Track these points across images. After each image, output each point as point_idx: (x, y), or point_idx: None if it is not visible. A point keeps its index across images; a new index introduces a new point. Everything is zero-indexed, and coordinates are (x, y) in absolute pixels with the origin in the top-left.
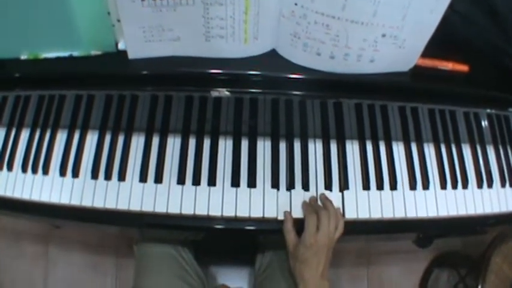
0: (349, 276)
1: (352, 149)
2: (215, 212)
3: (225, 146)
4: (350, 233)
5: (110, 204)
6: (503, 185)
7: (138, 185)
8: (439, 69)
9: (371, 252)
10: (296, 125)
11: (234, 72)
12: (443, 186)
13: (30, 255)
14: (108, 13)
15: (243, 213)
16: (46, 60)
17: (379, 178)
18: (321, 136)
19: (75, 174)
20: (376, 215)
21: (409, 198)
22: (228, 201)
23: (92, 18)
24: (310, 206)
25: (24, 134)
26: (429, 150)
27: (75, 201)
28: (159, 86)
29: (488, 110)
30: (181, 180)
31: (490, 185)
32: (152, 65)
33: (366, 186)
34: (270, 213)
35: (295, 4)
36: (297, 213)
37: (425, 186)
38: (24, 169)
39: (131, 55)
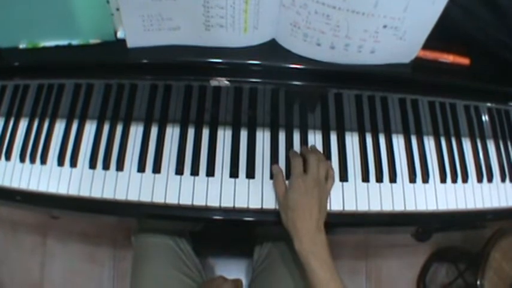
0: (348, 269)
1: (352, 140)
2: (213, 202)
3: (224, 136)
4: (349, 226)
5: (108, 194)
6: (503, 179)
7: (136, 175)
8: (440, 62)
9: (369, 246)
10: (296, 116)
11: (234, 61)
12: (443, 179)
13: (27, 245)
14: (107, 1)
15: (241, 204)
16: (45, 49)
17: (379, 170)
18: (321, 127)
19: (73, 164)
20: (375, 207)
21: (408, 191)
22: (227, 192)
23: (91, 6)
24: (295, 151)
25: (23, 123)
26: (429, 144)
27: (73, 191)
28: (158, 75)
29: (489, 104)
30: (179, 171)
31: (490, 180)
32: (151, 54)
33: (365, 178)
34: (269, 204)
35: None
36: None
37: (425, 179)
38: (22, 159)
39: (130, 44)
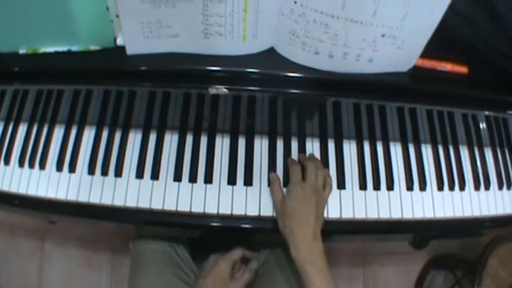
0: (345, 276)
1: (350, 148)
2: (211, 209)
3: (222, 143)
4: (346, 233)
5: (106, 200)
6: (500, 187)
7: (134, 181)
8: (438, 70)
9: (367, 253)
10: (294, 124)
11: (232, 69)
12: (441, 187)
13: (25, 250)
14: (107, 8)
15: (239, 211)
16: (45, 54)
17: (376, 178)
18: (319, 135)
19: (72, 169)
20: (372, 215)
21: (405, 199)
22: (225, 199)
23: (90, 13)
24: (294, 159)
25: (22, 129)
26: (427, 151)
27: (71, 197)
28: (157, 83)
29: (487, 112)
30: (178, 177)
31: (487, 187)
32: (150, 61)
33: (363, 186)
34: (266, 212)
35: (295, 2)
36: None
37: (422, 187)
38: (21, 163)
39: (130, 51)
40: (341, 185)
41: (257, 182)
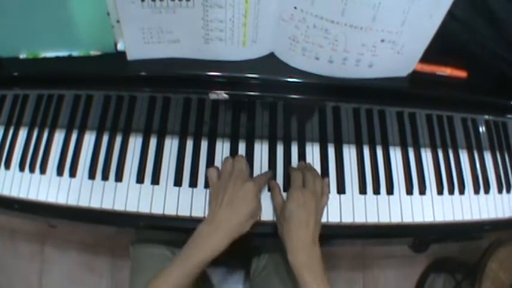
0: (345, 280)
1: (349, 153)
2: None
3: (223, 148)
4: (346, 237)
5: (107, 205)
6: (500, 191)
7: (135, 186)
8: (437, 75)
9: (367, 257)
10: (294, 129)
11: (233, 75)
12: (440, 191)
13: (26, 253)
14: (108, 14)
15: None
16: (45, 59)
17: (376, 182)
18: (318, 140)
19: (73, 174)
20: (372, 219)
21: (405, 203)
22: None
23: (91, 18)
24: (294, 167)
25: (22, 133)
26: (426, 155)
27: (72, 201)
28: (157, 88)
29: (487, 117)
30: (178, 182)
31: (487, 191)
32: (151, 66)
33: (363, 190)
34: (267, 216)
35: (295, 8)
36: None
37: (422, 191)
38: (21, 168)
39: (130, 56)
40: (341, 190)
41: None
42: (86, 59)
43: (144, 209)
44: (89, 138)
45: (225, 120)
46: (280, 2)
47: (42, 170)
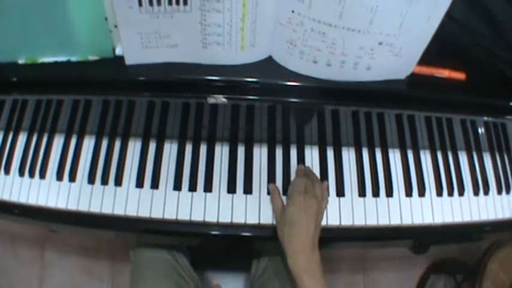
0: (345, 282)
1: (349, 155)
2: (211, 218)
3: (222, 152)
4: (346, 240)
5: (107, 209)
6: (499, 192)
7: (134, 190)
8: (436, 77)
9: (367, 259)
10: (292, 132)
11: (231, 79)
12: (440, 193)
13: (26, 258)
14: (106, 18)
15: (239, 219)
16: (44, 64)
17: (375, 185)
18: (317, 143)
19: (72, 178)
20: (372, 222)
21: (405, 205)
22: (224, 208)
23: (89, 23)
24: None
25: (22, 138)
26: (425, 157)
27: (71, 206)
28: (156, 92)
29: (485, 118)
30: (177, 186)
31: (486, 192)
32: (149, 71)
33: (362, 193)
34: (266, 220)
35: (292, 11)
36: None
37: (421, 193)
38: (21, 173)
39: (128, 61)
40: (340, 193)
41: (257, 190)
42: (85, 64)
43: (143, 213)
44: (88, 143)
45: (224, 124)
46: (278, 5)
47: (42, 175)
